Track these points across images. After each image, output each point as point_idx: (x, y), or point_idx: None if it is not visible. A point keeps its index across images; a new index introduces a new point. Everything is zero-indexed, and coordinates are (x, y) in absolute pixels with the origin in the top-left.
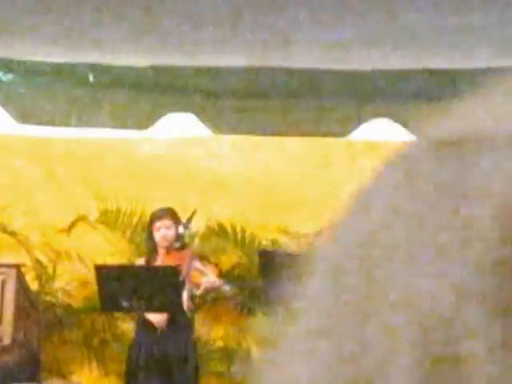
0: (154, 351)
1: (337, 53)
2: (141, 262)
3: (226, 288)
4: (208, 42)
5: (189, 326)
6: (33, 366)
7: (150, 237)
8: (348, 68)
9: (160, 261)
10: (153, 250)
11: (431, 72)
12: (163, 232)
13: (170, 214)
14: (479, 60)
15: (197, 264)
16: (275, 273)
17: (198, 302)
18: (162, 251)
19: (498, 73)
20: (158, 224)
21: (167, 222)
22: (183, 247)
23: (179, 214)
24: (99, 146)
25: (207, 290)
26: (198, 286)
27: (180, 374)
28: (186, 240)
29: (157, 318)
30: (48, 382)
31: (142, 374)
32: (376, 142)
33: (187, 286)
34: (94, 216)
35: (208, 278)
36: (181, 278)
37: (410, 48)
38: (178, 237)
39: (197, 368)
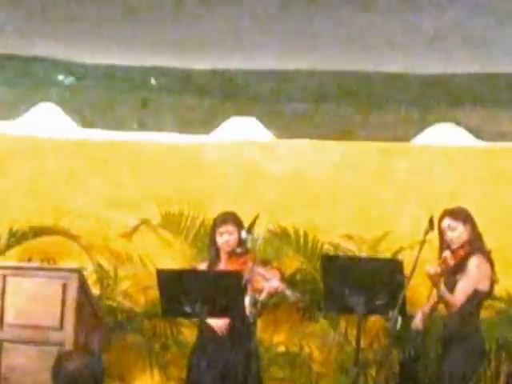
0: (215, 357)
1: (403, 57)
2: (203, 266)
3: (289, 293)
4: (271, 46)
5: (251, 331)
6: (95, 371)
7: (213, 242)
8: (412, 72)
9: (222, 266)
10: (215, 255)
11: (494, 76)
12: (226, 237)
13: (233, 219)
14: None
15: (259, 269)
16: (337, 278)
17: (260, 308)
18: (224, 256)
19: None
20: (220, 229)
21: (230, 227)
22: (246, 252)
23: (242, 219)
24: (161, 150)
25: (270, 295)
26: (260, 291)
27: (242, 381)
28: (249, 245)
29: (218, 324)
30: None
31: (203, 381)
32: (440, 146)
33: (249, 291)
34: (156, 220)
35: (271, 282)
36: (243, 283)
37: (475, 52)
38: (241, 242)
39: (259, 374)
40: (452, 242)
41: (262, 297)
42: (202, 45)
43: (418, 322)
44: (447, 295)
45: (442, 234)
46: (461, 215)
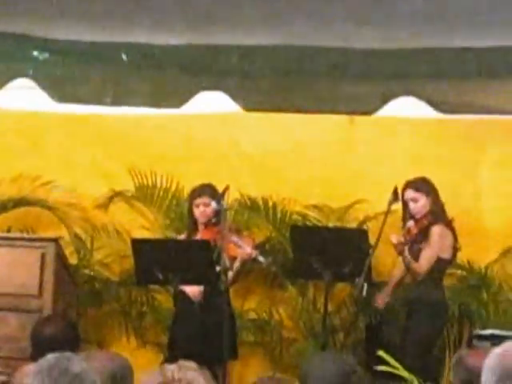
0: (191, 323)
1: (364, 31)
2: (182, 237)
3: (262, 259)
4: (240, 22)
5: (225, 297)
6: (73, 336)
7: (190, 213)
8: (375, 47)
9: (199, 236)
10: (193, 226)
11: (456, 50)
12: (202, 209)
13: (209, 191)
14: (503, 39)
15: (233, 237)
16: (305, 247)
17: (236, 275)
18: (201, 227)
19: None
20: (197, 201)
21: (206, 199)
22: (219, 222)
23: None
24: (134, 124)
25: (244, 262)
26: (234, 258)
27: (218, 345)
28: (220, 215)
29: (193, 291)
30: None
31: (182, 346)
32: (403, 118)
33: (222, 260)
34: (130, 192)
35: (244, 249)
36: (216, 251)
37: (436, 26)
38: (215, 212)
39: (235, 337)
40: (415, 213)
41: (236, 264)
42: (172, 21)
43: (380, 300)
44: (412, 263)
45: (405, 204)
46: (422, 187)
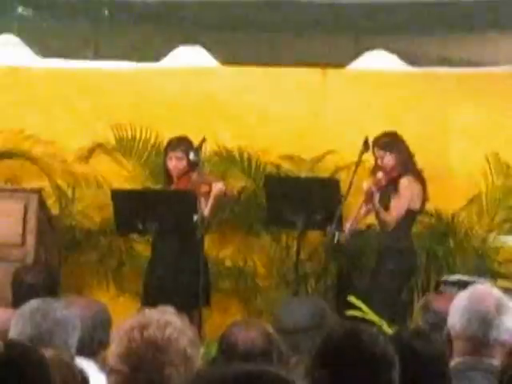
0: (167, 271)
1: None
2: (159, 188)
3: (234, 192)
4: None
5: (199, 246)
6: (52, 284)
7: (165, 165)
8: (348, 1)
9: (174, 187)
10: (168, 177)
11: (428, 4)
12: (174, 162)
13: (183, 143)
14: None
15: (204, 176)
16: (279, 196)
17: (208, 224)
18: (175, 178)
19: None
20: (170, 154)
21: (178, 153)
22: (194, 172)
23: (193, 143)
24: (115, 78)
25: (216, 197)
26: (207, 193)
27: (192, 292)
28: (197, 166)
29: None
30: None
31: (157, 293)
32: (373, 71)
33: (199, 210)
34: (110, 144)
35: (215, 185)
36: (192, 202)
37: None
38: (191, 164)
39: (208, 284)
40: (384, 166)
41: (211, 201)
42: None
43: (342, 236)
44: (382, 213)
45: (375, 158)
46: (390, 142)
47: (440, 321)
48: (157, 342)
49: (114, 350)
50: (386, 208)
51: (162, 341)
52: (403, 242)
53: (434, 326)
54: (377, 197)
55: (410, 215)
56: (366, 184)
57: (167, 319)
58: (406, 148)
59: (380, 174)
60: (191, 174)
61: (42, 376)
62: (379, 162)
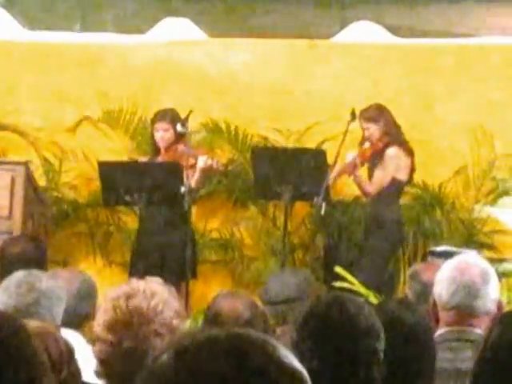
0: (155, 242)
1: None
2: (144, 160)
3: (219, 166)
4: None
5: (186, 218)
6: (40, 256)
7: (152, 137)
8: None
9: (161, 158)
10: (155, 148)
11: None
12: (161, 134)
13: (169, 115)
14: None
15: (191, 150)
16: (266, 168)
17: (194, 196)
18: (162, 150)
19: None
20: (156, 126)
21: (165, 124)
22: (179, 144)
23: (179, 115)
24: (102, 51)
25: (202, 170)
26: (193, 166)
27: (179, 263)
28: (183, 137)
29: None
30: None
31: (145, 264)
32: (359, 43)
33: (185, 181)
34: (97, 116)
35: (201, 158)
36: (179, 173)
37: None
38: (177, 136)
39: (194, 255)
40: (370, 137)
41: (196, 174)
42: None
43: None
44: (362, 183)
45: (362, 130)
46: (376, 114)
47: (427, 291)
48: (142, 311)
49: (99, 319)
50: (370, 178)
51: (147, 310)
52: (390, 213)
53: (421, 296)
54: (359, 168)
55: (397, 186)
56: (351, 155)
57: (153, 289)
58: (393, 119)
59: (366, 145)
60: (178, 145)
61: (22, 345)
62: (365, 133)
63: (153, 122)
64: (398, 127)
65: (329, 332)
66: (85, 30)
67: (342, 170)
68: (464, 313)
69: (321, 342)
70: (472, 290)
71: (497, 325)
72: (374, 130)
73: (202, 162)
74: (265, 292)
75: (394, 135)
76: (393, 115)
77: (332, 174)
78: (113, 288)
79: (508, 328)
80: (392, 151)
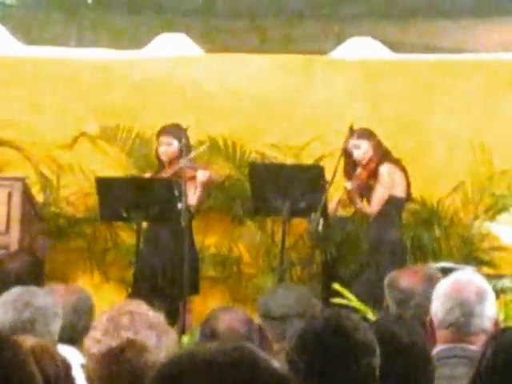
0: (155, 258)
1: None
2: (148, 175)
3: (217, 176)
4: None
5: (186, 234)
6: (37, 271)
7: (156, 152)
8: None
9: (164, 173)
10: (160, 163)
11: None
12: (164, 148)
13: (173, 131)
14: None
15: (189, 163)
16: (264, 184)
17: (197, 200)
18: (166, 165)
19: None
20: (160, 140)
21: (168, 138)
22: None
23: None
24: (99, 66)
25: (203, 184)
26: (192, 178)
27: (180, 281)
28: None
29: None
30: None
31: (145, 282)
32: (356, 59)
33: (184, 197)
34: (94, 132)
35: (201, 172)
36: (175, 189)
37: None
38: (180, 149)
39: (197, 271)
40: (360, 159)
41: (198, 189)
42: None
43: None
44: (364, 208)
45: (349, 155)
46: (364, 133)
47: (406, 297)
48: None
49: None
50: (369, 201)
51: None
52: (390, 231)
53: (401, 304)
54: (357, 195)
55: (395, 203)
56: (351, 183)
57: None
58: (380, 141)
59: (359, 170)
60: (180, 160)
61: (16, 363)
62: (355, 153)
63: (157, 136)
64: (385, 148)
65: (325, 348)
66: (81, 45)
67: (342, 202)
68: (461, 331)
69: (316, 359)
70: (468, 308)
71: (492, 342)
72: (365, 147)
73: (202, 174)
74: (264, 308)
75: (383, 154)
76: (378, 138)
77: (332, 206)
78: (111, 306)
79: (503, 346)
80: (385, 168)
